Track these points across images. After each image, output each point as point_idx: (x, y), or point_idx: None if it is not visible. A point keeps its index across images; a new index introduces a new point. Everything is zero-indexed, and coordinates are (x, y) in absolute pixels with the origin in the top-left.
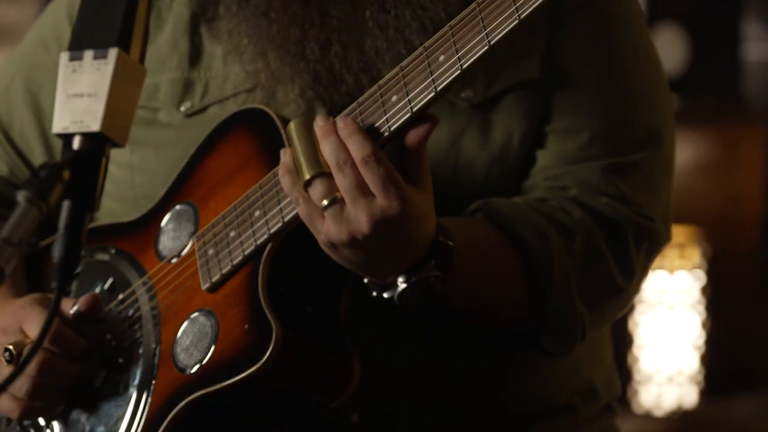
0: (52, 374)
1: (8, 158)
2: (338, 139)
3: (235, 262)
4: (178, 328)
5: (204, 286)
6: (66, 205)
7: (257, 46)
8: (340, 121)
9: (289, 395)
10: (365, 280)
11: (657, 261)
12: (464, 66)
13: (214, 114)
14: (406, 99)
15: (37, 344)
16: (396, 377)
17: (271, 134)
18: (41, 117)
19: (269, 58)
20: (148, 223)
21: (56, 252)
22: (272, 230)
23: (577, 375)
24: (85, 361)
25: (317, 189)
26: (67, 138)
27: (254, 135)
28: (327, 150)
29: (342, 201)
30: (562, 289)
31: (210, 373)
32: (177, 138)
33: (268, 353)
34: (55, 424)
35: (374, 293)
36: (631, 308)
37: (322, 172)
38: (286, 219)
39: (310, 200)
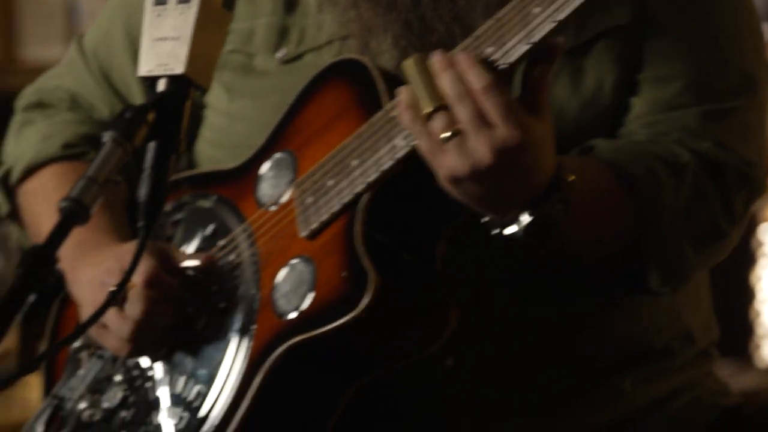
0: (152, 316)
1: (109, 101)
2: (457, 72)
3: (333, 210)
4: (278, 275)
5: (302, 234)
6: (151, 146)
7: None
8: (459, 54)
9: (386, 342)
10: (484, 219)
11: None
12: (558, 19)
13: (310, 62)
14: (501, 50)
15: (123, 282)
16: (491, 323)
17: (368, 85)
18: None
19: (361, 9)
20: (248, 171)
21: (142, 192)
22: (369, 179)
23: (674, 319)
24: (186, 305)
25: (438, 122)
26: (151, 81)
27: (352, 85)
28: (446, 83)
29: (463, 133)
30: (671, 228)
31: (308, 319)
32: (274, 86)
33: (365, 301)
34: (159, 365)
35: (494, 231)
36: (753, 262)
37: (442, 105)
38: (383, 168)
39: (431, 134)
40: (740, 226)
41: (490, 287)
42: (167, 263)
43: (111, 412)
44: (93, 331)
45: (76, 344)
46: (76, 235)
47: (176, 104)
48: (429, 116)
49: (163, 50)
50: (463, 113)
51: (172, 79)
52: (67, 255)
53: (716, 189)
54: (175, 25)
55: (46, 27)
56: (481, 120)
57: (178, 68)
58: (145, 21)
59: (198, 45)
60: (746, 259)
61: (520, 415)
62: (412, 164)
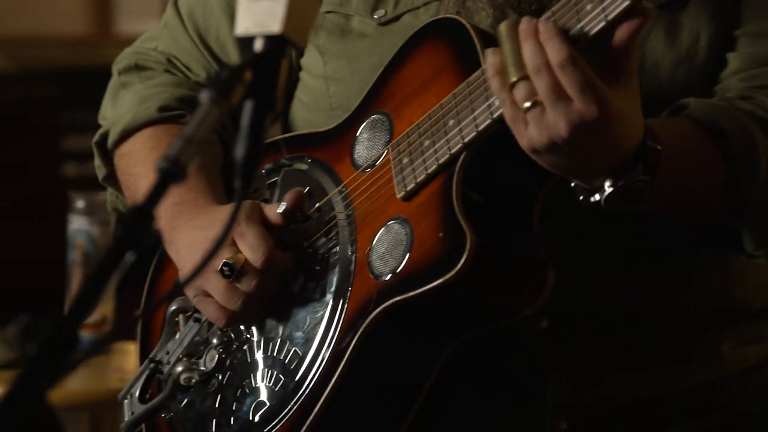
0: (264, 291)
1: (205, 62)
2: (537, 43)
3: (430, 170)
4: (374, 236)
5: (399, 195)
6: (248, 105)
7: None
8: (541, 25)
9: (482, 303)
10: (572, 184)
11: None
12: None
13: (408, 23)
14: (600, 7)
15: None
16: (584, 284)
17: (465, 44)
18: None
19: None
20: (344, 133)
21: (238, 151)
22: (466, 139)
23: None
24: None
25: (520, 91)
26: (248, 40)
27: (448, 45)
28: (527, 53)
29: (542, 105)
30: (765, 189)
31: (405, 280)
32: (371, 48)
33: (462, 261)
34: (254, 330)
35: (581, 197)
36: None
37: (526, 75)
38: (480, 128)
39: (515, 103)
40: None
41: (585, 247)
42: (275, 232)
43: (208, 375)
44: (194, 298)
45: (173, 307)
46: (175, 196)
47: (273, 63)
48: (513, 84)
49: (259, 9)
50: (541, 86)
51: (269, 39)
52: (166, 216)
53: None
54: None
55: (142, 1)
56: (558, 94)
57: (275, 27)
58: None
59: (295, 3)
60: None
61: (617, 371)
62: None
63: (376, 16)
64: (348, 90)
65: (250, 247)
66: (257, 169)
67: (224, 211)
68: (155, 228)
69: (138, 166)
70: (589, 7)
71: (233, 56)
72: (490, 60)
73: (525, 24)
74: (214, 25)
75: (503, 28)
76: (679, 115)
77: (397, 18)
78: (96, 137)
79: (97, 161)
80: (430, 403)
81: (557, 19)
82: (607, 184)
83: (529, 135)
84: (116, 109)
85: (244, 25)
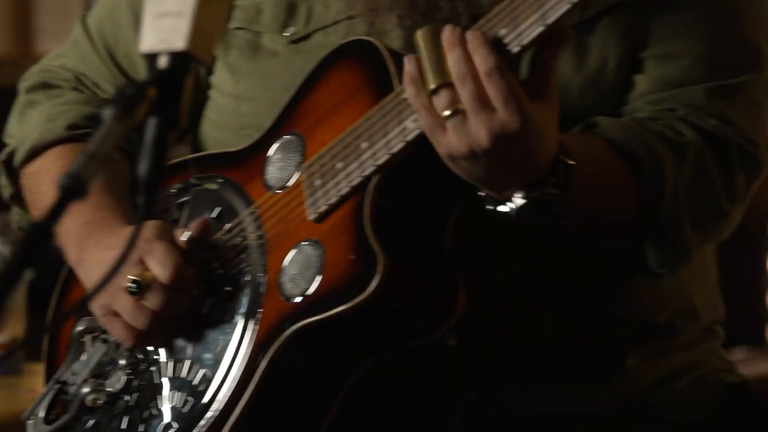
0: (172, 308)
1: (114, 79)
2: (464, 51)
3: (342, 193)
4: (285, 258)
5: (311, 217)
6: (151, 122)
7: None
8: (469, 34)
9: (393, 325)
10: (481, 194)
11: None
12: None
13: (319, 42)
14: (515, 32)
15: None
16: (491, 299)
17: (378, 66)
18: None
19: None
20: (256, 153)
21: (142, 168)
22: (379, 161)
23: (678, 295)
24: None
25: (441, 99)
26: (152, 57)
27: (361, 67)
28: (452, 61)
29: (464, 113)
30: (673, 208)
31: (316, 302)
32: (282, 67)
33: (374, 284)
34: (163, 351)
35: (490, 207)
36: None
37: (447, 82)
38: (393, 151)
39: (433, 110)
40: (742, 205)
41: (491, 263)
42: (184, 251)
43: (115, 397)
44: (101, 317)
45: (80, 327)
46: (84, 215)
47: (177, 80)
48: (433, 92)
49: (164, 26)
50: (465, 94)
51: (174, 55)
52: (74, 236)
53: (719, 167)
54: (177, 0)
55: (62, 21)
56: (482, 102)
57: (179, 43)
58: None
59: (200, 19)
60: (762, 245)
61: (520, 389)
62: (422, 146)
63: (286, 34)
64: (259, 109)
65: (157, 263)
66: (160, 187)
67: (131, 231)
68: (54, 245)
69: (45, 185)
70: (527, 12)
71: (143, 73)
72: (406, 68)
73: (450, 32)
74: (123, 41)
75: (421, 35)
76: (590, 133)
77: (307, 36)
78: (2, 155)
79: (3, 180)
80: (341, 419)
81: (492, 27)
82: (518, 195)
83: (448, 142)
84: (23, 127)
85: (148, 42)
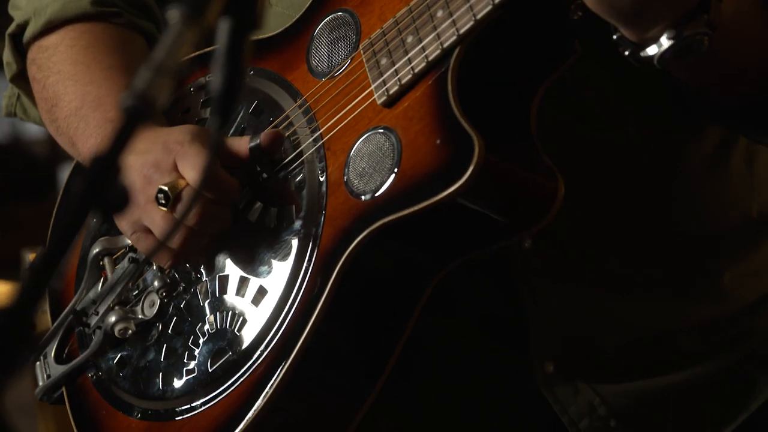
0: (209, 221)
1: None
2: None
3: (417, 70)
4: (349, 151)
5: (380, 101)
6: (224, 23)
7: None
8: None
9: (487, 219)
10: (615, 36)
11: None
12: None
13: None
14: None
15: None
16: (570, 202)
17: None
18: None
19: None
20: (294, 37)
21: (215, 81)
22: (461, 30)
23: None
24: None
25: None
26: None
27: None
28: None
29: None
30: None
31: (396, 197)
32: None
33: (471, 168)
34: (204, 267)
35: (628, 51)
36: None
37: None
38: (479, 16)
39: None
40: None
41: (572, 160)
42: (223, 155)
43: (147, 325)
44: (131, 235)
45: (95, 250)
46: (110, 113)
47: None
48: None
49: None
50: None
51: None
52: (98, 122)
53: None
54: None
55: None
56: None
57: None
58: None
59: None
60: None
61: (604, 310)
62: (511, 10)
63: None
64: None
65: (190, 166)
66: (237, 102)
67: (173, 139)
68: (122, 183)
69: (66, 63)
70: None
71: None
72: None
73: None
74: None
75: None
76: None
77: None
78: (11, 27)
79: (8, 56)
80: (412, 342)
81: None
82: (665, 36)
83: None
84: None
85: None
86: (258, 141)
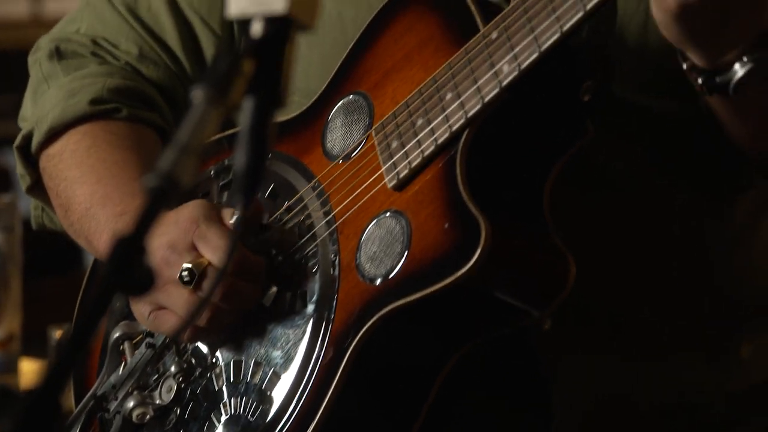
0: (236, 299)
1: (136, 36)
2: None
3: (426, 153)
4: (361, 234)
5: (390, 184)
6: (249, 102)
7: None
8: None
9: (494, 304)
10: (685, 66)
11: None
12: None
13: None
14: None
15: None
16: (587, 276)
17: (456, 8)
18: None
19: None
20: (310, 120)
21: (240, 160)
22: (470, 113)
23: None
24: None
25: None
26: (245, 23)
27: (434, 11)
28: None
29: None
30: None
31: (406, 281)
32: (332, 21)
33: (477, 253)
34: (219, 352)
35: (701, 80)
36: None
37: None
38: (487, 99)
39: None
40: None
41: (590, 232)
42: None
43: (165, 410)
44: (147, 317)
45: (116, 334)
46: (117, 204)
47: (277, 50)
48: None
49: None
50: None
51: (272, 20)
52: (108, 218)
53: None
54: None
55: None
56: None
57: (278, 5)
58: None
59: None
60: None
61: (623, 377)
62: (519, 92)
63: None
64: (307, 70)
65: (214, 249)
66: (259, 180)
67: (186, 217)
68: (147, 264)
69: (72, 169)
70: None
71: (167, 27)
72: None
73: None
74: None
75: None
76: None
77: None
78: (17, 140)
79: (20, 169)
80: (433, 417)
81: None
82: (744, 58)
83: None
84: (40, 106)
85: (239, 5)
86: (236, 215)
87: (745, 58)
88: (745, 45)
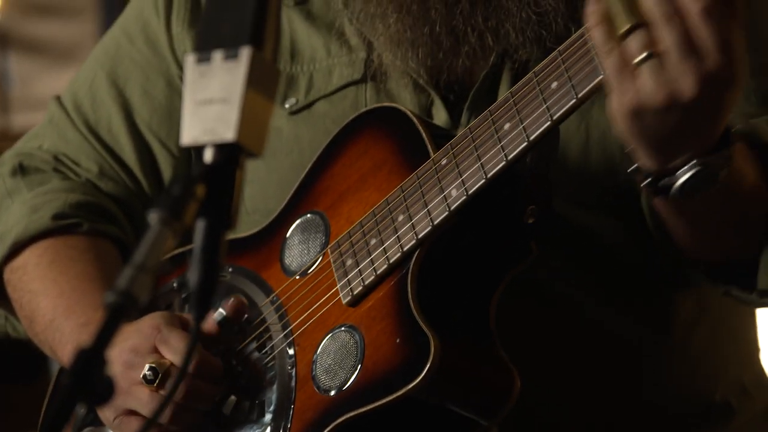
0: (195, 399)
1: (97, 155)
2: None
3: (379, 271)
4: (317, 347)
5: (345, 300)
6: (201, 224)
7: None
8: None
9: (444, 414)
10: (630, 170)
11: None
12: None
13: (324, 112)
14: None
15: (183, 371)
16: (535, 385)
17: (409, 133)
18: (129, 111)
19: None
20: (269, 237)
21: (193, 277)
22: (420, 235)
23: (726, 371)
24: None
25: (634, 41)
26: (197, 150)
27: (388, 135)
28: (651, 0)
29: (663, 57)
30: None
31: (359, 393)
32: (289, 145)
33: (427, 367)
34: None
35: (647, 181)
36: None
37: (642, 23)
38: (436, 222)
39: (624, 54)
40: None
41: (537, 342)
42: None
43: None
44: (113, 421)
45: None
46: (80, 316)
47: (227, 175)
48: (626, 33)
49: (209, 115)
50: (670, 36)
51: (222, 147)
52: (72, 329)
53: None
54: (222, 84)
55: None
56: (691, 45)
57: (228, 134)
58: (187, 82)
59: (249, 106)
60: None
61: None
62: (467, 215)
63: (286, 106)
64: (265, 191)
65: (175, 350)
66: (213, 297)
67: (147, 324)
68: (107, 374)
69: (35, 281)
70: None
71: (126, 147)
72: (591, 8)
73: None
74: (105, 116)
75: None
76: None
77: (309, 105)
78: None
79: None
80: None
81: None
82: (693, 162)
83: (639, 90)
84: (4, 221)
85: (191, 134)
86: (224, 314)
87: (693, 161)
88: (696, 151)
